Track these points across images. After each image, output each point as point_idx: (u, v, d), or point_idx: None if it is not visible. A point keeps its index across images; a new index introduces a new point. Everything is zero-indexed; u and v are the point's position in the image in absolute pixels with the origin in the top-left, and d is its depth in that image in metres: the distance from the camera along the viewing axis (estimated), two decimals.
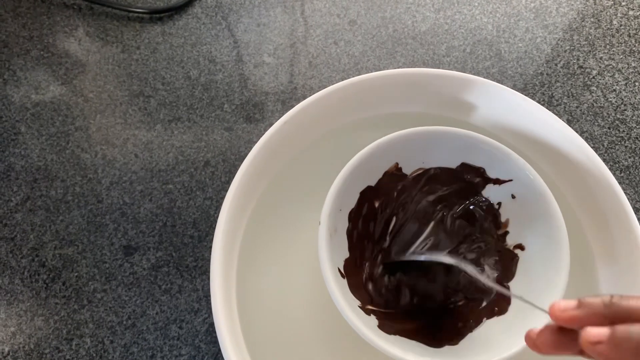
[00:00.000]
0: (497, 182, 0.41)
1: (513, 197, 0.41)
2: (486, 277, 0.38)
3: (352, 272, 0.39)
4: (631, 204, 0.50)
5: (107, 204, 0.51)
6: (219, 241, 0.36)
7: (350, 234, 0.40)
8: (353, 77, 0.44)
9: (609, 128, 0.58)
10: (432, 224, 0.43)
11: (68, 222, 0.50)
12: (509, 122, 0.45)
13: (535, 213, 0.39)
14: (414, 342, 0.36)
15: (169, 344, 0.45)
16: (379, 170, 0.42)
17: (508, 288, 0.39)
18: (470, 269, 0.37)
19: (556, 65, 0.63)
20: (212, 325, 0.45)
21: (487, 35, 0.65)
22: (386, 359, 0.33)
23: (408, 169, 0.43)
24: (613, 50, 0.64)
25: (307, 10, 0.67)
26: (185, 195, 0.52)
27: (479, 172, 0.42)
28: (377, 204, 0.43)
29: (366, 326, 0.34)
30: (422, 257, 0.41)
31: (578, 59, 0.63)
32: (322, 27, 0.65)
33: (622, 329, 0.22)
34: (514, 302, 0.37)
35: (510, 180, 0.40)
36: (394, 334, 0.36)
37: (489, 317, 0.38)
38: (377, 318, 0.37)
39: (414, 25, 0.66)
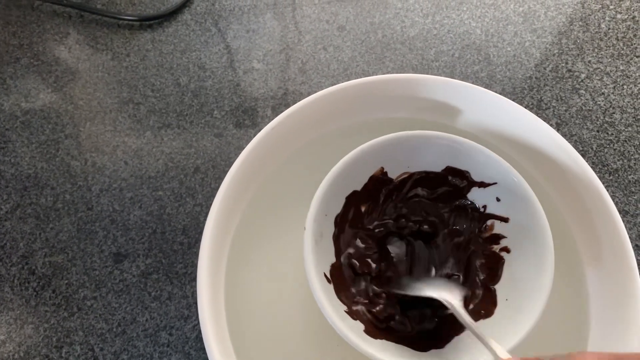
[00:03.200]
0: (482, 185, 0.42)
1: (498, 200, 0.41)
2: (466, 315, 0.38)
3: (338, 276, 0.39)
4: (620, 207, 0.51)
5: (97, 211, 0.52)
6: (206, 247, 0.37)
7: (336, 238, 0.41)
8: (342, 82, 0.45)
9: (597, 131, 0.58)
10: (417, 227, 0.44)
11: (58, 229, 0.51)
12: (494, 126, 0.46)
13: (520, 215, 0.39)
14: (399, 346, 0.36)
15: (159, 350, 0.45)
16: (365, 174, 0.42)
17: (494, 291, 0.39)
18: (453, 305, 0.37)
19: (545, 69, 0.63)
20: (201, 332, 0.45)
21: (475, 39, 0.66)
22: None
23: (393, 173, 0.43)
24: (601, 54, 0.65)
25: (297, 16, 0.68)
26: (175, 201, 0.52)
27: (464, 175, 0.42)
28: (363, 209, 0.43)
29: (352, 331, 0.34)
30: (408, 292, 0.41)
31: (567, 63, 0.64)
32: (312, 33, 0.66)
33: None
34: (500, 304, 0.38)
35: (495, 183, 0.41)
36: (380, 338, 0.36)
37: (475, 319, 0.38)
38: (363, 323, 0.37)
39: (403, 31, 0.67)
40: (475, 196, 0.43)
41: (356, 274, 0.42)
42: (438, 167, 0.43)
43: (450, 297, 0.38)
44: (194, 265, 0.49)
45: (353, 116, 0.47)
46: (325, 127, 0.46)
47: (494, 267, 0.40)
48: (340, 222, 0.41)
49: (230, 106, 0.59)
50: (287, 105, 0.57)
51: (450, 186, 0.43)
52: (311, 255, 0.36)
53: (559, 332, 0.40)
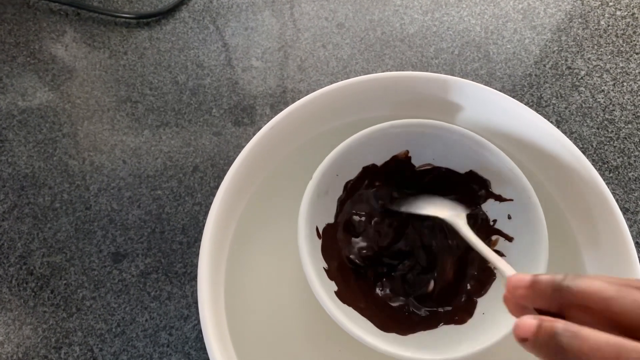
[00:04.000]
0: (499, 199, 0.41)
1: (509, 217, 0.41)
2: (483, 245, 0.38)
3: (330, 237, 0.40)
4: (620, 204, 0.51)
5: (95, 210, 0.52)
6: (206, 246, 0.37)
7: (341, 202, 0.41)
8: (341, 80, 0.45)
9: (597, 128, 0.58)
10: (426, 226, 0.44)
11: (56, 229, 0.50)
12: (494, 123, 0.46)
13: (525, 240, 0.39)
14: (364, 319, 0.37)
15: (158, 351, 0.45)
16: (388, 152, 0.42)
17: (475, 303, 0.39)
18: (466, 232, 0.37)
19: (544, 66, 0.63)
20: (202, 331, 0.45)
21: (475, 37, 0.66)
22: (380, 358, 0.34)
23: (417, 161, 0.43)
24: (601, 51, 0.65)
25: (295, 13, 0.68)
26: (174, 201, 0.52)
27: (485, 184, 0.42)
28: (377, 184, 0.43)
29: (323, 288, 0.34)
30: (421, 211, 0.41)
31: (566, 60, 0.64)
32: (310, 31, 0.66)
33: (548, 326, 0.21)
34: (475, 316, 0.38)
35: (512, 200, 0.40)
36: (349, 305, 0.37)
37: (447, 323, 0.38)
38: (337, 285, 0.38)
39: (402, 28, 0.66)
40: (489, 208, 0.42)
41: (352, 236, 0.42)
42: (462, 169, 0.43)
43: (455, 216, 0.39)
44: (194, 265, 0.49)
45: (352, 114, 0.46)
46: (325, 125, 0.46)
47: (484, 281, 0.40)
48: (351, 188, 0.41)
49: (229, 104, 0.59)
50: (286, 104, 0.57)
51: (468, 192, 0.43)
52: (308, 205, 0.37)
53: None
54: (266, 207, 0.45)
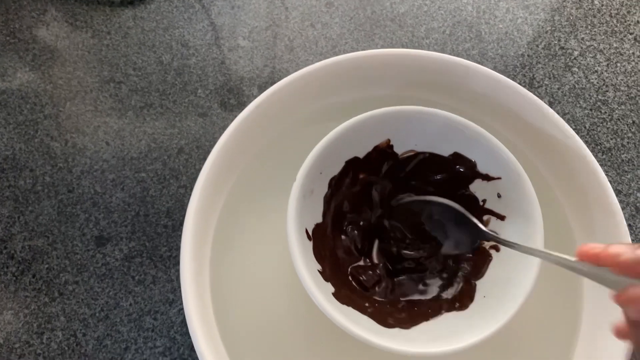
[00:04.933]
0: (487, 178, 0.41)
1: (499, 196, 0.40)
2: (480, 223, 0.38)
3: (321, 237, 0.39)
4: (613, 186, 0.50)
5: (77, 193, 0.51)
6: (189, 228, 0.36)
7: (327, 199, 0.40)
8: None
9: (590, 110, 0.58)
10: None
11: (38, 212, 0.50)
12: (487, 103, 0.45)
13: (517, 216, 0.39)
14: (365, 317, 0.36)
15: (143, 335, 0.44)
16: (369, 143, 0.41)
17: (474, 286, 0.39)
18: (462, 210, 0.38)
19: (537, 46, 0.63)
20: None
21: (467, 16, 0.65)
22: (368, 351, 0.33)
23: (399, 149, 0.42)
24: (595, 31, 0.64)
25: None
26: (159, 183, 0.51)
27: (470, 164, 0.41)
28: (361, 177, 0.42)
29: (320, 291, 0.34)
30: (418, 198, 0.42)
31: (559, 40, 0.63)
32: (299, 9, 0.65)
33: None
34: (476, 300, 0.38)
35: (499, 178, 0.40)
36: (347, 305, 0.36)
37: (448, 310, 0.38)
38: (333, 286, 0.37)
39: (393, 7, 0.65)
40: (477, 188, 0.42)
41: (342, 234, 0.41)
42: (445, 152, 0.42)
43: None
44: (179, 249, 0.47)
45: (341, 94, 0.46)
46: (313, 105, 0.45)
47: (480, 263, 0.40)
48: (335, 185, 0.41)
49: (215, 85, 0.58)
50: (274, 84, 0.56)
51: (454, 174, 0.42)
52: (295, 207, 0.36)
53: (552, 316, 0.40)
54: (253, 190, 0.44)
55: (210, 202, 0.39)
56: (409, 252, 0.42)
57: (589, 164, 0.40)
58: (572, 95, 0.59)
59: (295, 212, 0.36)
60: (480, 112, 0.46)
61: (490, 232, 0.38)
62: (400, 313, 0.38)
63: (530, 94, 0.43)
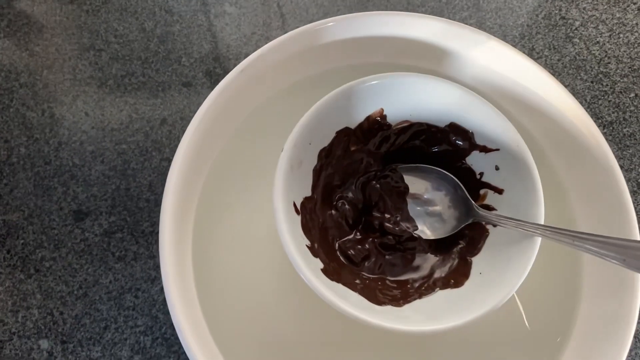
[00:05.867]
0: (484, 149, 0.39)
1: (497, 168, 0.38)
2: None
3: (309, 211, 0.38)
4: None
5: (55, 165, 0.49)
6: (169, 201, 0.34)
7: (317, 172, 0.39)
8: None
9: (591, 82, 0.56)
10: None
11: (13, 185, 0.48)
12: (485, 72, 0.43)
13: (516, 189, 0.37)
14: (355, 294, 0.35)
15: (124, 314, 0.43)
16: (362, 112, 0.39)
17: (470, 263, 0.37)
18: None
19: (537, 16, 0.60)
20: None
21: None
22: (359, 331, 0.32)
23: (393, 119, 0.40)
24: (597, 0, 0.62)
25: None
26: (140, 156, 0.49)
27: (467, 135, 0.40)
28: (353, 149, 0.40)
29: (308, 266, 0.33)
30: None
31: (560, 10, 0.61)
32: None
33: None
34: (472, 277, 0.36)
35: (498, 149, 0.38)
36: (337, 281, 0.35)
37: (443, 287, 0.36)
38: (322, 262, 0.36)
39: None
40: (474, 161, 0.40)
41: (332, 210, 0.40)
42: (442, 122, 0.40)
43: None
44: None
45: (332, 60, 0.44)
46: (302, 71, 0.43)
47: (476, 239, 0.38)
48: (326, 156, 0.39)
49: (200, 53, 0.55)
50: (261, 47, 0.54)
51: (450, 145, 0.41)
52: (282, 180, 0.34)
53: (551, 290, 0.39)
54: (239, 161, 0.42)
55: (192, 174, 0.37)
56: (395, 227, 0.40)
57: (591, 133, 0.39)
58: (573, 67, 0.57)
59: (283, 184, 0.34)
60: (480, 83, 0.44)
61: (484, 212, 0.37)
62: (392, 290, 0.37)
63: (536, 65, 0.41)
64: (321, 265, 0.35)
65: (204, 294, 0.36)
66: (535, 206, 0.35)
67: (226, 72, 0.52)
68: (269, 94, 0.43)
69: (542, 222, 0.34)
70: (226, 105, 0.39)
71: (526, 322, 0.39)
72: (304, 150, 0.37)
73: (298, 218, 0.36)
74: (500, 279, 0.33)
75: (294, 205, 0.36)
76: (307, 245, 0.35)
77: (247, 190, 0.42)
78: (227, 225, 0.41)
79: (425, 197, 0.41)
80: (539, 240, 0.33)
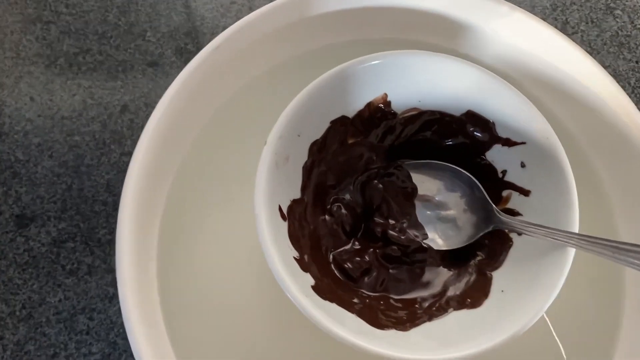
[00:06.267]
0: (507, 143, 0.39)
1: (523, 165, 0.39)
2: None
3: (298, 217, 0.38)
4: None
5: None
6: (128, 204, 0.35)
7: (307, 170, 0.39)
8: None
9: (637, 62, 0.57)
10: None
11: None
12: (509, 50, 0.43)
13: (545, 191, 0.37)
14: (352, 316, 0.35)
15: (75, 339, 0.43)
16: (361, 98, 0.40)
17: (490, 279, 0.37)
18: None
19: None
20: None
21: None
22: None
23: (399, 106, 0.41)
24: None
25: None
26: (97, 149, 0.50)
27: (488, 126, 0.40)
28: (351, 142, 0.41)
29: (296, 284, 0.32)
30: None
31: None
32: None
33: None
34: (492, 296, 0.36)
35: (524, 143, 0.38)
36: (331, 301, 0.35)
37: (458, 308, 0.37)
38: (313, 277, 0.36)
39: None
40: (496, 156, 0.40)
41: (326, 215, 0.40)
42: (457, 110, 0.40)
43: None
44: None
45: (325, 35, 0.44)
46: (289, 48, 0.44)
47: (497, 250, 0.38)
48: (318, 151, 0.39)
49: (169, 27, 0.56)
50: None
51: (467, 137, 0.41)
52: (265, 179, 0.34)
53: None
54: (213, 155, 0.43)
55: (157, 171, 0.38)
56: (401, 236, 0.41)
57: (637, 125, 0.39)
58: (615, 44, 0.58)
59: (266, 184, 0.34)
60: (503, 64, 0.44)
61: (506, 217, 0.37)
62: (397, 311, 0.37)
63: (570, 42, 0.41)
64: (312, 282, 0.35)
65: (172, 316, 0.36)
66: (569, 211, 0.35)
67: (200, 49, 0.52)
68: (251, 75, 0.43)
69: (576, 230, 0.34)
70: (199, 89, 0.39)
71: (561, 347, 0.39)
72: (291, 144, 0.37)
73: (285, 225, 0.36)
74: (526, 298, 0.34)
75: (280, 209, 0.36)
76: (295, 258, 0.35)
77: (225, 191, 0.43)
78: (200, 233, 0.41)
79: (436, 199, 0.41)
80: (572, 251, 0.33)
